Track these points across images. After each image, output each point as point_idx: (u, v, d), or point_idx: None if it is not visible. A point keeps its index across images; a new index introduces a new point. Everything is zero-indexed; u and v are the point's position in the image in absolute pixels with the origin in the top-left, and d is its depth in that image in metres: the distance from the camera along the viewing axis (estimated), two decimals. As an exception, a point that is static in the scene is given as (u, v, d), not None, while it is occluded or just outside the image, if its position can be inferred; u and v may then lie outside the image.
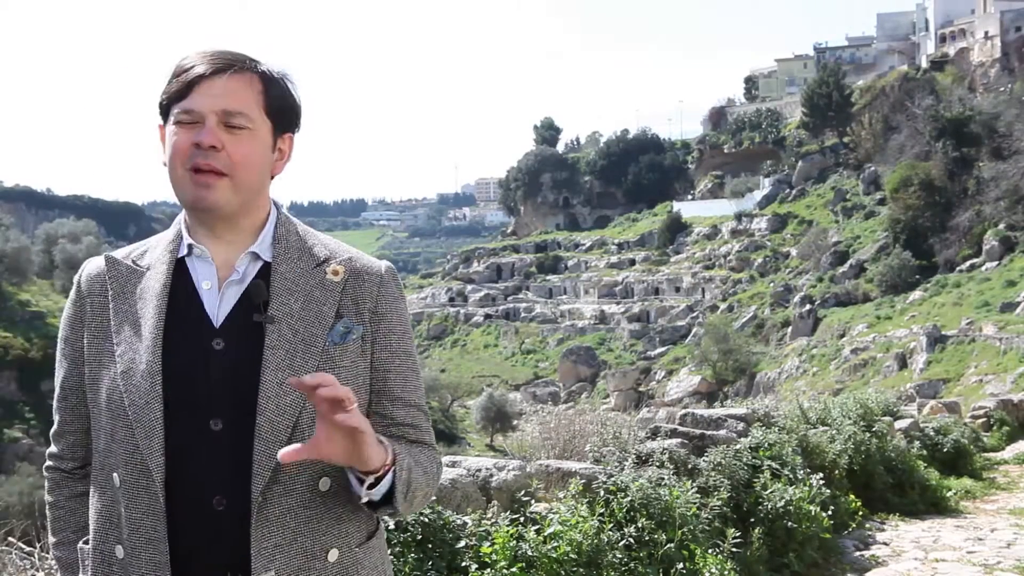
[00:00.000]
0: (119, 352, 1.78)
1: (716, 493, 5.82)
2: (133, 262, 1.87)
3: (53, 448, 1.95)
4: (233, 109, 1.76)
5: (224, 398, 1.74)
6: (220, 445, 1.73)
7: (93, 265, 1.90)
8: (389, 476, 1.72)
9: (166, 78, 1.83)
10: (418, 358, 1.96)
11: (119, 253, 1.91)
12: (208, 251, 1.82)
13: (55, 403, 1.92)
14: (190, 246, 1.83)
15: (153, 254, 1.86)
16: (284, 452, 1.63)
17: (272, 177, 1.88)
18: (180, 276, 1.82)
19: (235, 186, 1.78)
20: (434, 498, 4.15)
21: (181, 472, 1.73)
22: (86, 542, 1.84)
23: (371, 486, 1.71)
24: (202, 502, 1.73)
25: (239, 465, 1.72)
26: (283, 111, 1.84)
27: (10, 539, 4.39)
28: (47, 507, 1.96)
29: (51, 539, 1.95)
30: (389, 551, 3.79)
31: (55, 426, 1.93)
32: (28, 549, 4.28)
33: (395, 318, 1.87)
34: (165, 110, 1.81)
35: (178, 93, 1.77)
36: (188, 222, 1.86)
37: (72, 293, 1.90)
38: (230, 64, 1.79)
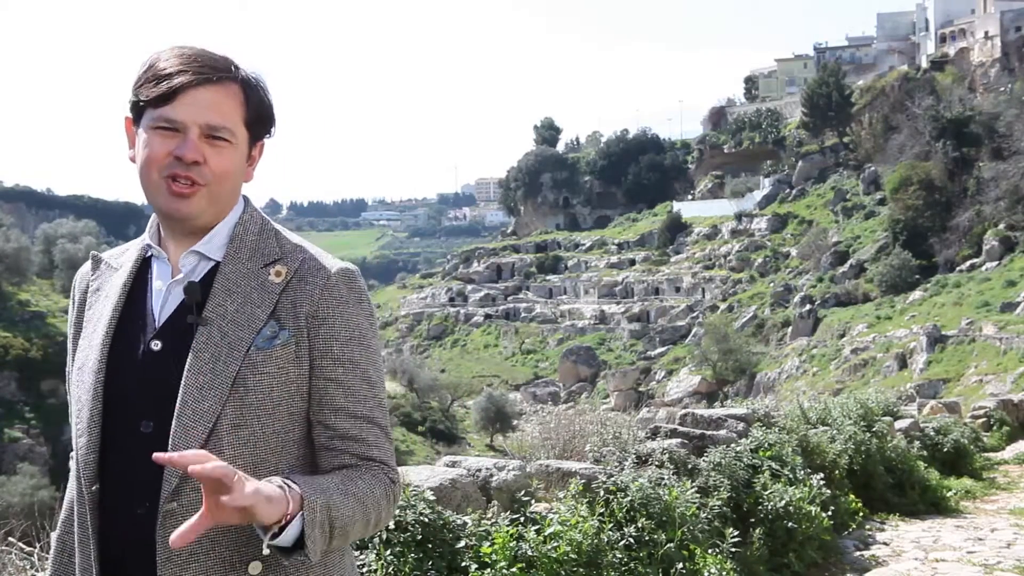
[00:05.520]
0: (81, 350, 1.84)
1: (716, 493, 5.82)
2: (114, 260, 1.92)
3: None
4: (217, 124, 1.73)
5: (155, 400, 1.72)
6: (149, 448, 1.66)
7: (85, 265, 1.96)
8: (297, 521, 1.58)
9: (137, 71, 1.79)
10: (377, 367, 1.82)
11: (106, 254, 1.96)
12: (165, 251, 1.83)
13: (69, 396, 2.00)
14: (148, 246, 1.85)
15: (128, 253, 1.91)
16: (174, 537, 1.51)
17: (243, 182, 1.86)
18: (141, 276, 1.85)
19: (211, 197, 1.76)
20: (429, 500, 4.14)
21: (112, 473, 1.74)
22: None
23: (275, 535, 1.58)
24: (128, 505, 1.72)
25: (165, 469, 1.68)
26: (260, 121, 1.82)
27: (10, 539, 4.39)
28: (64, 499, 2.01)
29: (57, 529, 1.99)
30: (389, 552, 3.80)
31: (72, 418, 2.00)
32: (28, 549, 4.28)
33: (339, 323, 1.76)
34: (139, 109, 1.77)
35: (159, 98, 1.73)
36: (156, 223, 1.87)
37: (72, 292, 1.99)
38: (215, 72, 1.75)
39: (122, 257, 1.91)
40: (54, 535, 1.91)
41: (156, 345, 1.76)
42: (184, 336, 1.74)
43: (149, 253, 1.86)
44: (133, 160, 1.80)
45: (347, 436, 1.76)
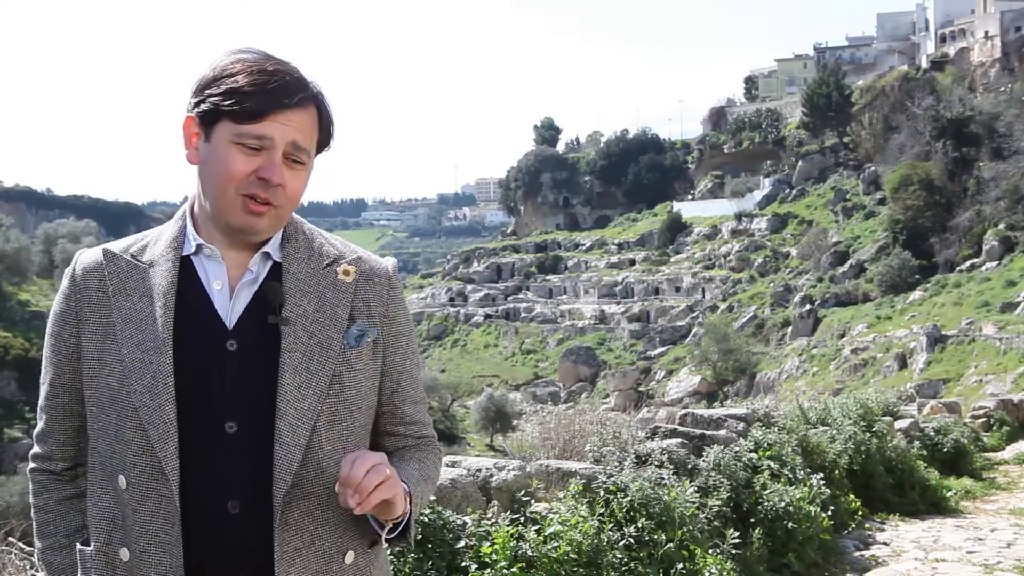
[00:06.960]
0: (125, 352, 1.74)
1: (716, 493, 5.82)
2: (133, 257, 1.81)
3: (38, 449, 1.90)
4: (302, 144, 1.75)
5: (239, 400, 1.73)
6: (235, 448, 1.72)
7: (88, 258, 1.84)
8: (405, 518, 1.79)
9: (209, 74, 1.74)
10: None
11: (115, 247, 1.85)
12: (218, 251, 1.79)
13: (43, 401, 1.86)
14: (199, 245, 1.79)
15: (154, 250, 1.81)
16: (355, 507, 1.67)
17: None
18: (186, 275, 1.78)
19: (278, 217, 1.78)
20: (433, 497, 4.16)
21: (194, 475, 1.71)
22: (85, 543, 1.81)
23: (390, 530, 1.76)
24: (216, 506, 1.71)
25: (254, 468, 1.71)
26: (326, 140, 1.83)
27: (10, 539, 4.40)
28: (33, 510, 1.91)
29: (39, 543, 1.90)
30: (389, 551, 3.82)
31: (42, 425, 1.88)
32: (28, 549, 4.28)
33: (403, 320, 1.89)
34: (211, 116, 1.72)
35: (248, 114, 1.70)
36: (195, 219, 1.82)
37: (65, 287, 1.84)
38: (304, 93, 1.75)
39: (143, 254, 1.81)
40: (82, 548, 1.82)
41: (232, 345, 1.75)
42: (261, 336, 1.75)
43: (188, 251, 1.79)
44: (191, 160, 1.78)
45: (412, 421, 1.92)
